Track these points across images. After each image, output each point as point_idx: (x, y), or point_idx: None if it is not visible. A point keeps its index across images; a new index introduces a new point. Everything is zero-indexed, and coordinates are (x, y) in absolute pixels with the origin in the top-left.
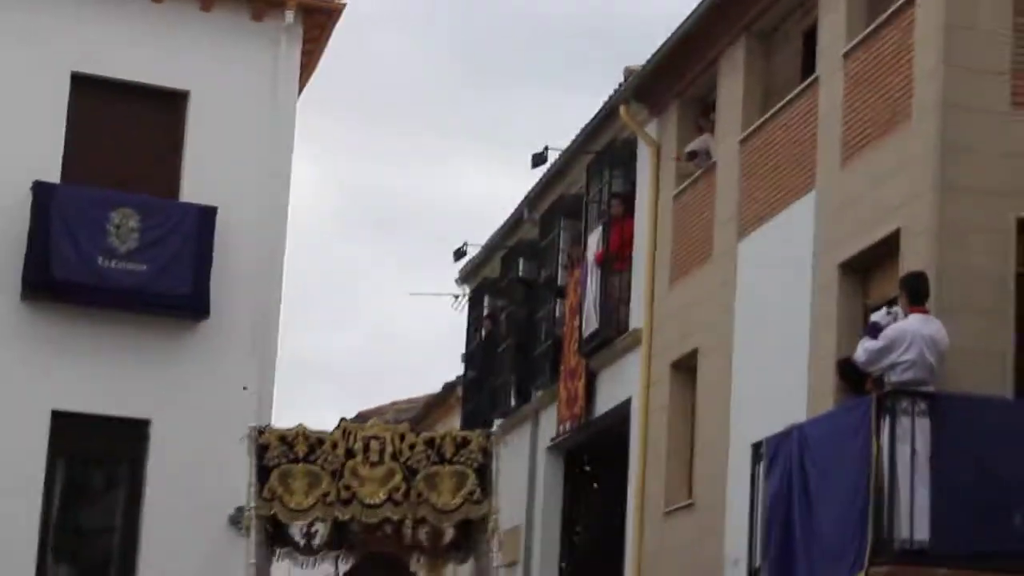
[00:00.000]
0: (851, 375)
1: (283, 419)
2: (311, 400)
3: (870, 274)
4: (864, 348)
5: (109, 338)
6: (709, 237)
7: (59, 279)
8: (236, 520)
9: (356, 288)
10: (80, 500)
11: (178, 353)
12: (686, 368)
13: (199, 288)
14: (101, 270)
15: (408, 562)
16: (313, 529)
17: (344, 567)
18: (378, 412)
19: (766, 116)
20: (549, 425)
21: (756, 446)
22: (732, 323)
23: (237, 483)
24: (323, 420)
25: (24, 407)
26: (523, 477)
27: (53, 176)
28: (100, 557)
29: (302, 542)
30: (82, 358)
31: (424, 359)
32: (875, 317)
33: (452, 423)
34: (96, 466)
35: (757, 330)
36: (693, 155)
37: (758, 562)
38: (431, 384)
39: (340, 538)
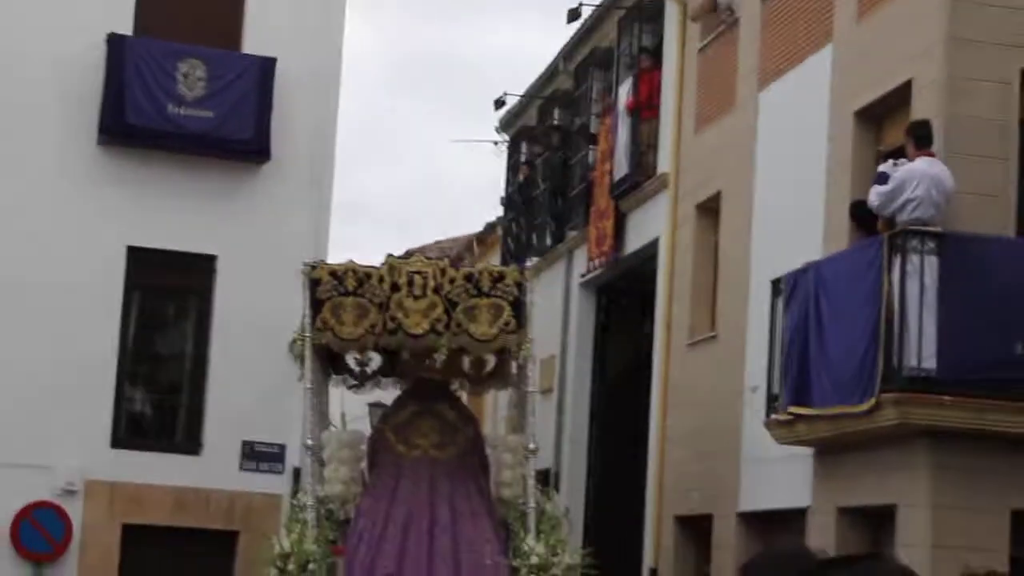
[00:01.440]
0: (864, 217)
1: (335, 257)
2: (361, 239)
3: (883, 122)
4: (876, 192)
5: (179, 180)
6: (732, 87)
7: (133, 125)
8: (293, 349)
9: (403, 136)
10: (154, 329)
11: (241, 194)
12: (710, 210)
13: (260, 133)
14: (171, 116)
15: (453, 388)
16: (367, 357)
17: (395, 392)
18: (423, 250)
19: None
20: (582, 263)
21: (775, 282)
22: (753, 168)
23: (295, 314)
24: (373, 259)
25: (102, 244)
26: (557, 311)
27: (126, 29)
28: (172, 381)
29: (357, 369)
30: (154, 198)
31: (466, 202)
32: (882, 168)
33: (491, 261)
34: (168, 298)
35: (776, 174)
36: (715, 7)
37: (776, 389)
38: (472, 225)
39: (391, 366)
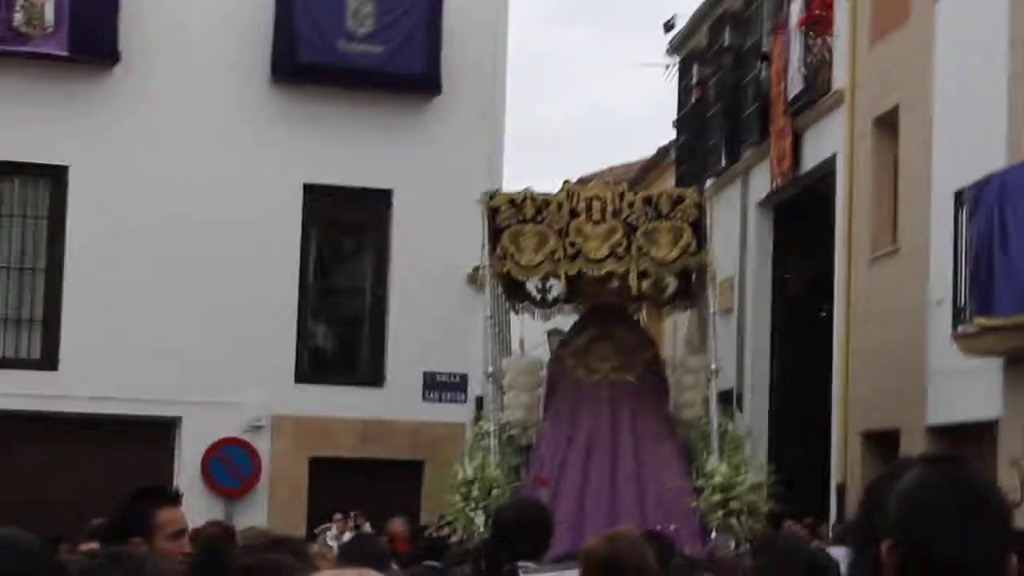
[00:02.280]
0: None
1: (510, 187)
2: (536, 168)
3: None
4: None
5: (351, 115)
6: None
7: (304, 62)
8: (473, 279)
9: (572, 64)
10: (332, 265)
11: (414, 127)
12: (888, 124)
13: (431, 67)
14: (342, 52)
15: (634, 311)
16: (548, 284)
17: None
18: (597, 176)
19: None
20: (758, 182)
21: (958, 194)
22: (931, 79)
23: (472, 245)
24: (547, 187)
25: (278, 182)
26: (735, 231)
27: None
28: (353, 316)
29: (538, 296)
30: (328, 135)
31: (637, 128)
32: None
33: (667, 184)
34: (345, 233)
35: (956, 84)
36: None
37: (962, 301)
38: (645, 150)
39: (572, 292)
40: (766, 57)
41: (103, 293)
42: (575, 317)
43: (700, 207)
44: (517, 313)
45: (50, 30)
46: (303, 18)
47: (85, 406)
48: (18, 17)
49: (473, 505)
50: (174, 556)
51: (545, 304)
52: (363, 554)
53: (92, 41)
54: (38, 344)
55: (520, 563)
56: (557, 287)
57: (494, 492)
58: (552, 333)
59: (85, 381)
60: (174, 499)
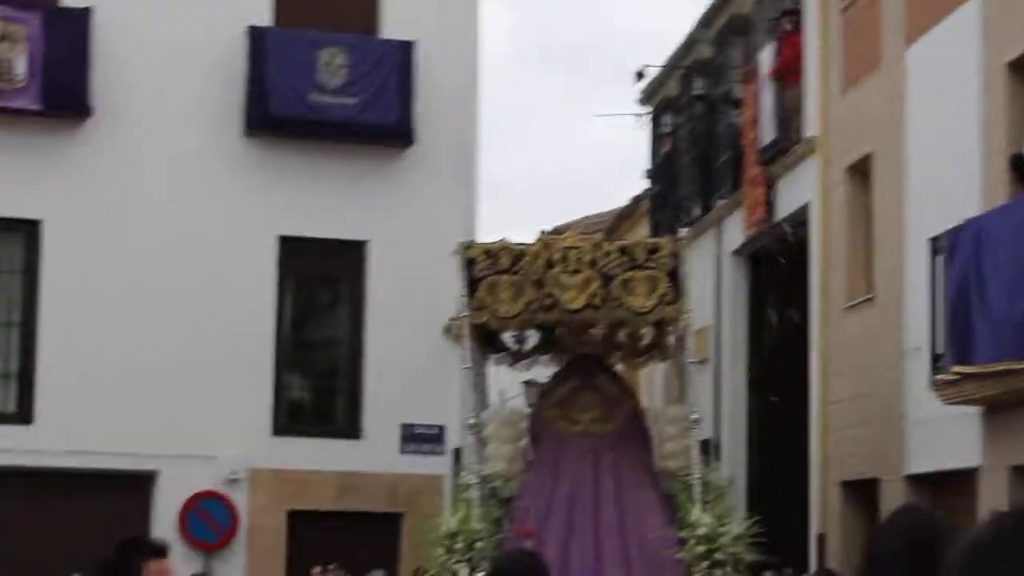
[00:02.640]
0: (1023, 169)
1: (483, 237)
2: (508, 219)
3: None
4: None
5: (325, 167)
6: (877, 46)
7: (277, 115)
8: (450, 330)
9: (542, 114)
10: (308, 317)
11: (388, 179)
12: (861, 172)
13: (404, 117)
14: (314, 105)
15: (610, 362)
16: (524, 335)
17: (553, 369)
18: (571, 226)
19: None
20: (732, 231)
21: (934, 240)
22: (904, 126)
23: (448, 296)
24: (521, 237)
25: (252, 234)
26: (710, 281)
27: (265, 20)
28: (330, 367)
29: (514, 348)
30: (302, 186)
31: (609, 178)
32: None
33: (641, 234)
34: (321, 285)
35: (928, 131)
36: None
37: (940, 348)
38: (617, 200)
39: (548, 343)
40: (737, 104)
41: (78, 346)
42: (551, 368)
43: (676, 256)
44: (494, 364)
45: (21, 85)
46: (275, 70)
47: (61, 460)
48: None
49: (456, 558)
50: None
51: (521, 355)
52: None
53: (64, 95)
54: (13, 398)
55: None
56: (533, 338)
57: (477, 545)
58: (528, 384)
59: (61, 435)
60: (162, 551)
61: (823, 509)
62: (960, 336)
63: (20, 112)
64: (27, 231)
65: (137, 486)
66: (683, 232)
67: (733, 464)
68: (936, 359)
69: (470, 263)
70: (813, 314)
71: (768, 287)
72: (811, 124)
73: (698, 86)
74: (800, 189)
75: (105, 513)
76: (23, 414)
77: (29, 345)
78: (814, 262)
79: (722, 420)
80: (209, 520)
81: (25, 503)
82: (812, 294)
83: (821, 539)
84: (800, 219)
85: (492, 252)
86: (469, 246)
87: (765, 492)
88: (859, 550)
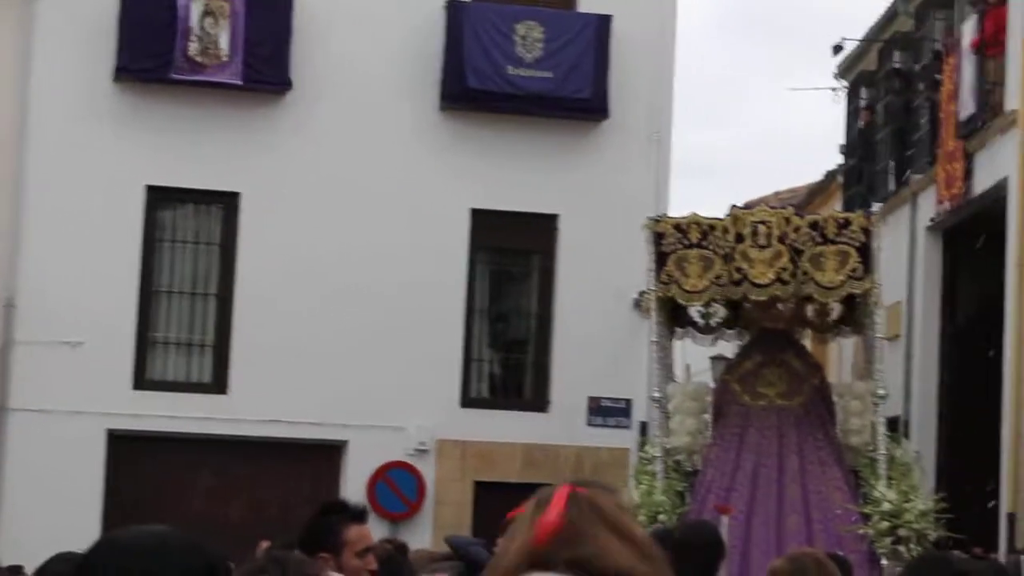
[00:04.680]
0: None
1: (674, 212)
2: (699, 193)
3: None
4: None
5: (519, 141)
6: None
7: (474, 88)
8: (640, 304)
9: (738, 88)
10: (498, 289)
11: (581, 152)
12: None
13: (599, 91)
14: (511, 78)
15: (798, 337)
16: (711, 309)
17: (738, 343)
18: (762, 201)
19: None
20: (926, 207)
21: None
22: None
23: (638, 270)
24: (711, 212)
25: (446, 207)
26: (903, 256)
27: None
28: (518, 340)
29: (701, 322)
30: (496, 160)
31: (802, 152)
32: None
33: (833, 209)
34: (512, 258)
35: None
36: None
37: None
38: (811, 175)
39: (735, 317)
40: (936, 80)
41: (272, 318)
42: (737, 343)
43: (867, 231)
44: (679, 339)
45: (224, 59)
46: (472, 45)
47: (254, 429)
48: (193, 47)
49: None
50: (360, 574)
51: (707, 330)
52: None
53: (265, 70)
54: (209, 368)
55: None
56: (720, 312)
57: (660, 518)
58: (716, 359)
59: (254, 404)
60: (361, 516)
61: (1014, 488)
62: None
63: (222, 86)
64: (226, 203)
65: (327, 456)
66: (875, 207)
67: (923, 441)
68: None
69: (659, 237)
70: (1009, 293)
71: (962, 263)
72: (1012, 97)
73: (897, 59)
74: (999, 163)
75: (295, 482)
76: (218, 384)
77: (225, 316)
78: (1011, 238)
79: (912, 397)
80: (396, 490)
81: (219, 471)
82: (1008, 270)
83: (1011, 518)
84: (998, 194)
85: (681, 226)
86: (658, 220)
87: (956, 470)
88: None
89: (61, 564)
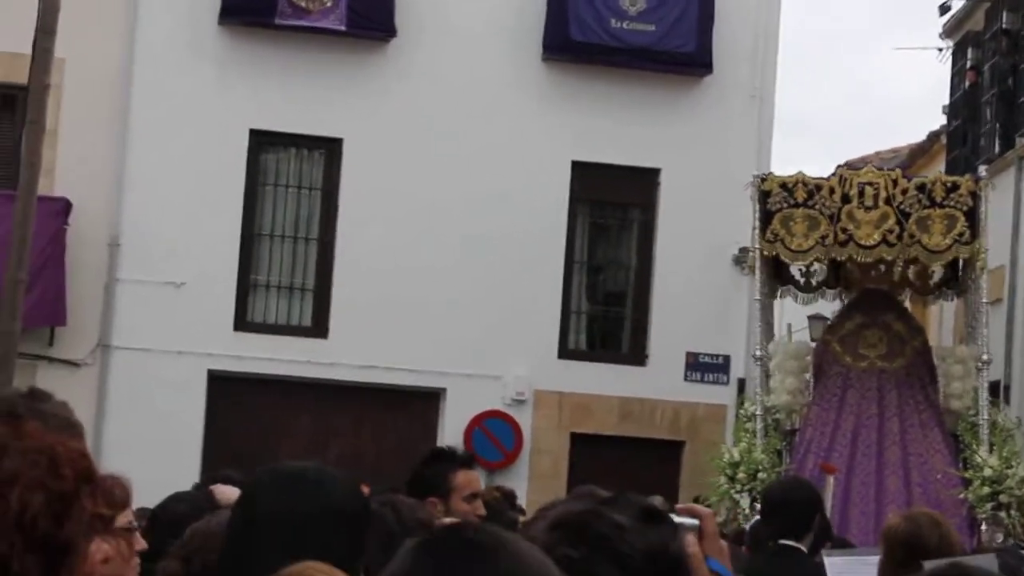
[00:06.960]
0: None
1: (775, 170)
2: (800, 152)
3: None
4: None
5: (621, 94)
6: None
7: (577, 40)
8: (740, 260)
9: (841, 46)
10: (598, 242)
11: (684, 107)
12: None
13: (703, 46)
14: (614, 31)
15: (899, 298)
16: (812, 268)
17: (838, 303)
18: (862, 161)
19: None
20: None
21: None
22: None
23: (738, 227)
24: (811, 171)
25: (547, 158)
26: (1008, 220)
27: None
28: (618, 293)
29: (802, 280)
30: (597, 113)
31: (903, 113)
32: None
33: (936, 170)
34: (612, 211)
35: None
36: None
37: None
38: (912, 136)
39: (836, 276)
40: None
41: (373, 264)
42: (836, 303)
43: (975, 195)
44: (780, 297)
45: (328, 4)
46: None
47: (353, 374)
48: None
49: (738, 487)
50: (469, 518)
51: (808, 288)
52: None
53: (369, 16)
54: (309, 312)
55: (782, 541)
56: (821, 272)
57: (759, 475)
58: (814, 319)
59: (353, 350)
60: (469, 462)
61: None
62: None
63: (326, 32)
64: (328, 149)
65: (425, 403)
66: (983, 171)
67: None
68: None
69: (765, 195)
70: None
71: None
72: None
73: (1005, 20)
74: None
75: (393, 428)
76: (318, 328)
77: (326, 261)
78: None
79: (1013, 362)
80: (494, 439)
81: (317, 415)
82: None
83: None
84: None
85: (787, 185)
86: (765, 178)
87: None
88: None
89: (178, 503)
